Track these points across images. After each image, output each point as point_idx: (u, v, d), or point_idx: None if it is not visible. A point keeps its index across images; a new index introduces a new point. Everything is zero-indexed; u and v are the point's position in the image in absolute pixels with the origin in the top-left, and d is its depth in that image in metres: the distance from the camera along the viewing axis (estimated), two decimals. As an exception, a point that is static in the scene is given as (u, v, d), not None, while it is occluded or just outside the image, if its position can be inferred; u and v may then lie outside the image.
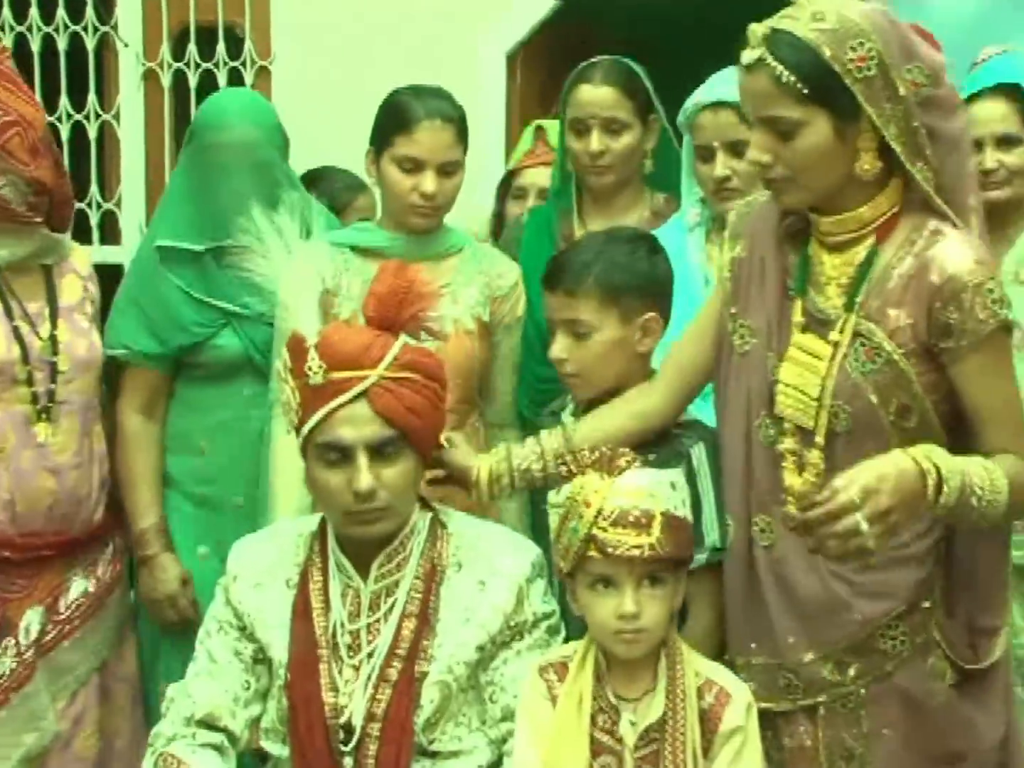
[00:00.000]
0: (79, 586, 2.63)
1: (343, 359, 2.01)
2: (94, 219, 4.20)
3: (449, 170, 2.53)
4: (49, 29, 4.17)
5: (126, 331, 2.70)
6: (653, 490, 1.90)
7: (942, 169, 1.90)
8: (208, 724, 2.07)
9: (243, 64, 4.10)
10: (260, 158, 2.69)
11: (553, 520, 1.97)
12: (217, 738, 2.07)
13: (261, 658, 2.10)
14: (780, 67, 1.81)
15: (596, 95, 2.69)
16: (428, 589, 2.07)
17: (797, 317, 1.95)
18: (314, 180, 3.16)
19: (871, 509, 1.70)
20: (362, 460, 2.00)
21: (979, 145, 2.59)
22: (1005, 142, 2.67)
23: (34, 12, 4.16)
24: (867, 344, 1.90)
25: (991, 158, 2.65)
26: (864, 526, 1.69)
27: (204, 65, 4.12)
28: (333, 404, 2.00)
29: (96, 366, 2.65)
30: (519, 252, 2.76)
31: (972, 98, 2.64)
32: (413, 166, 2.51)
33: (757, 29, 1.84)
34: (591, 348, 2.17)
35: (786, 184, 1.90)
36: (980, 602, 1.98)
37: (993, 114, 2.67)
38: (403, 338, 2.05)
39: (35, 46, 4.18)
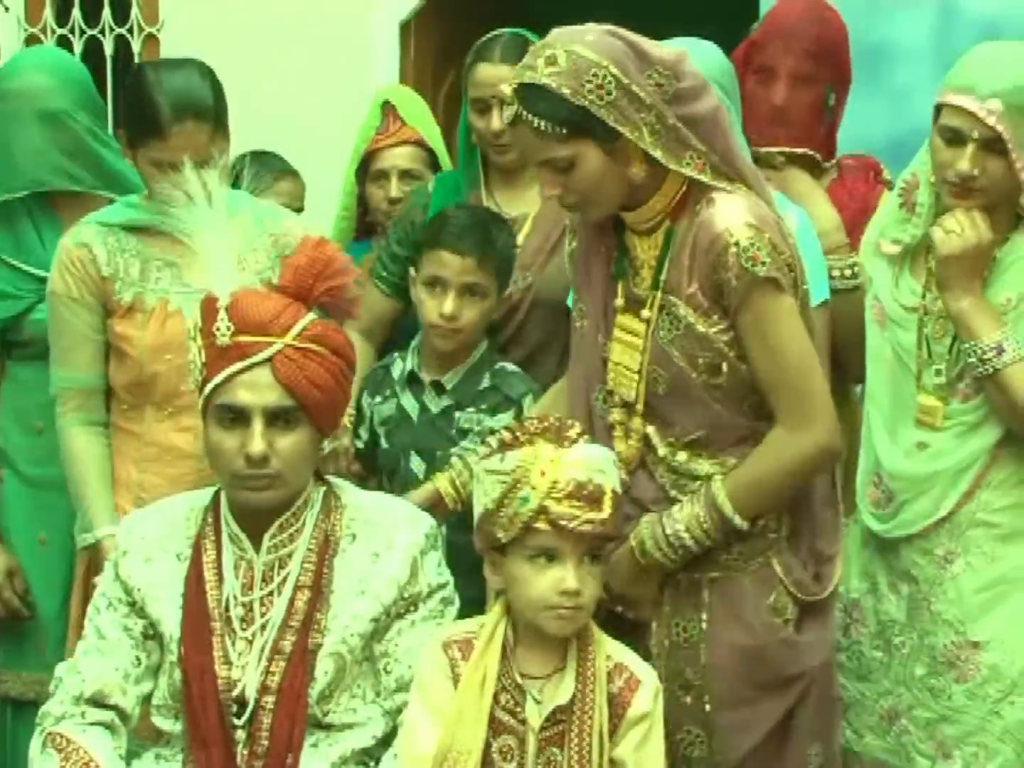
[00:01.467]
0: None
1: (251, 323, 2.01)
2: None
3: (208, 162, 2.32)
4: (-75, -10, 4.06)
5: None
6: (603, 465, 1.92)
7: (712, 147, 2.03)
8: (98, 702, 2.06)
9: (130, 31, 4.04)
10: (50, 107, 2.64)
11: (493, 487, 1.93)
12: (107, 716, 2.06)
13: (151, 634, 2.08)
14: (535, 119, 1.98)
15: (495, 73, 2.68)
16: (321, 561, 2.07)
17: (619, 300, 2.12)
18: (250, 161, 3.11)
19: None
20: (257, 425, 2.00)
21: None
22: None
23: (-91, -28, 4.05)
24: (671, 314, 2.05)
25: None
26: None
27: (89, 32, 4.04)
28: (236, 367, 2.00)
29: None
30: (427, 216, 2.72)
31: None
32: (170, 167, 2.31)
33: (506, 89, 2.01)
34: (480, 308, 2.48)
35: (580, 206, 2.08)
36: (818, 530, 2.13)
37: None
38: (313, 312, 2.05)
39: (-89, 8, 4.07)
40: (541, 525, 1.89)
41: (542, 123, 1.97)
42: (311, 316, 2.05)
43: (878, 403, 2.41)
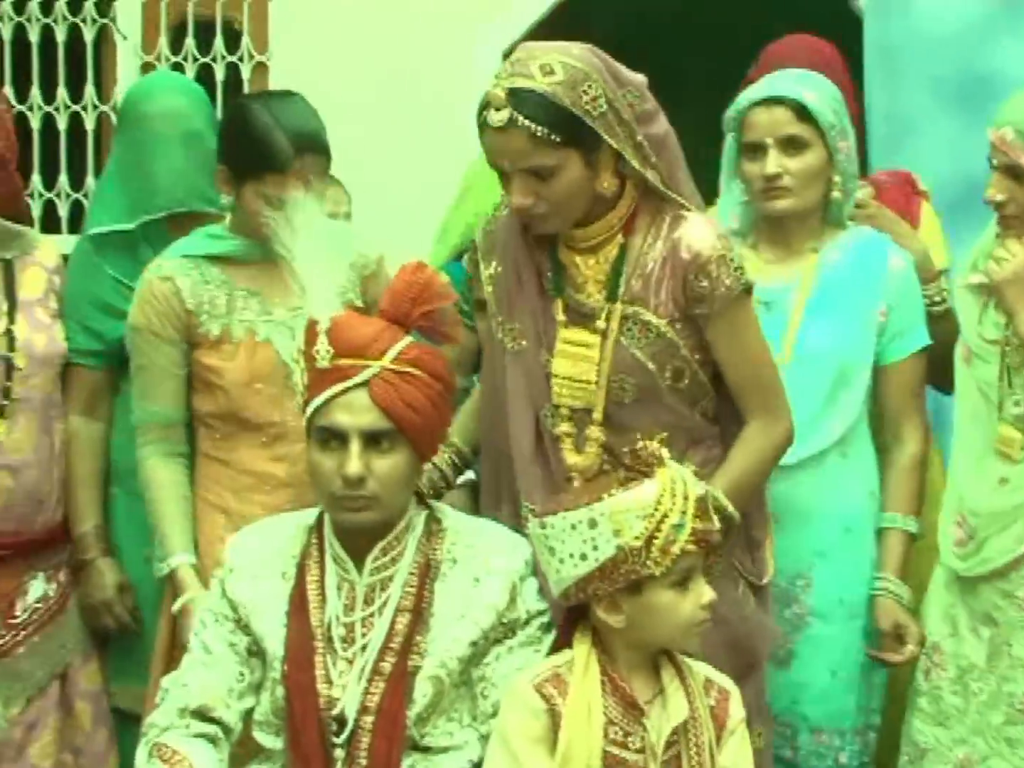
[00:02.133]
0: (38, 589, 2.60)
1: (350, 346, 2.04)
2: (63, 210, 4.20)
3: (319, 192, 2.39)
4: (48, 20, 4.19)
5: (65, 328, 2.65)
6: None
7: (667, 167, 2.15)
8: (202, 715, 2.08)
9: (240, 59, 4.13)
10: (191, 127, 2.66)
11: (634, 525, 1.86)
12: (211, 729, 2.08)
13: (255, 650, 2.11)
14: (532, 124, 2.01)
15: None
16: (422, 584, 2.09)
17: (560, 316, 2.18)
18: None
19: None
20: (355, 446, 2.03)
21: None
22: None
23: (33, 3, 4.19)
24: (638, 323, 2.14)
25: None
26: None
27: (201, 59, 4.14)
28: (335, 389, 2.04)
29: (56, 362, 2.60)
30: None
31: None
32: (279, 201, 2.32)
33: (498, 92, 2.02)
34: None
35: (547, 217, 2.11)
36: (751, 519, 2.23)
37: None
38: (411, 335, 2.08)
39: (34, 37, 4.21)
40: (690, 547, 1.88)
41: (539, 129, 2.02)
42: (408, 340, 2.07)
43: (965, 442, 2.39)
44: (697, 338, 2.16)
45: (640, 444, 1.94)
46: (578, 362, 2.15)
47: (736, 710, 1.98)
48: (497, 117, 2.03)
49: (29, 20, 4.21)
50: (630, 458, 1.93)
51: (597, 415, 2.15)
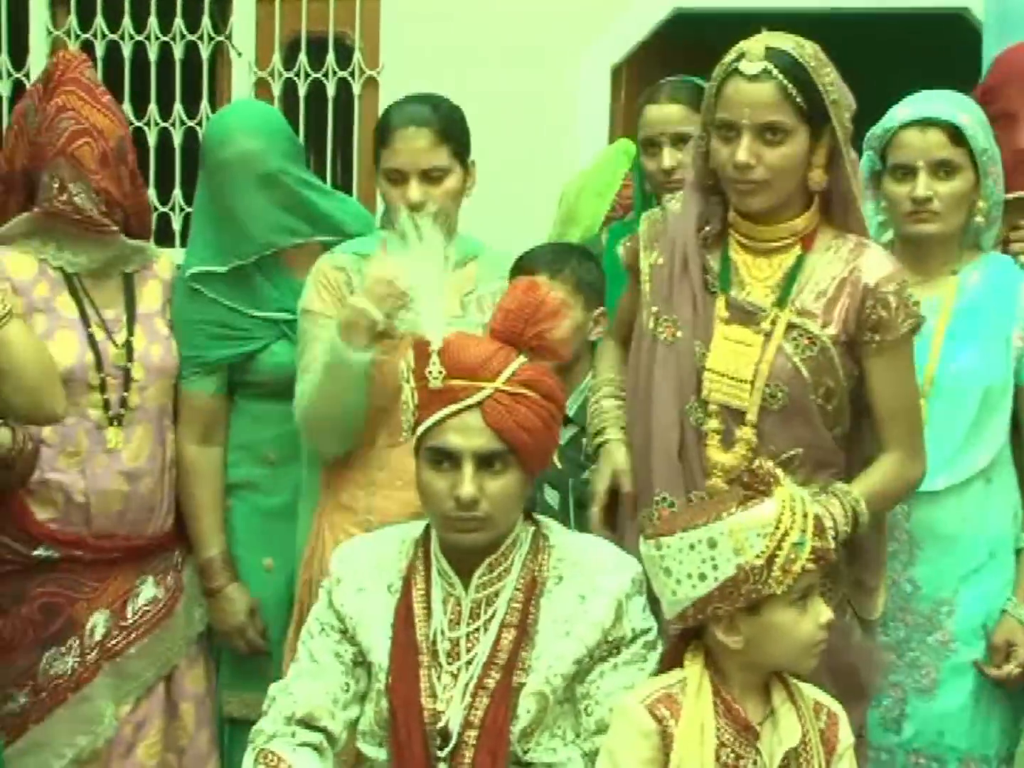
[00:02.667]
0: (148, 592, 2.66)
1: (463, 367, 2.04)
2: (177, 223, 4.29)
3: (435, 175, 2.50)
4: (166, 38, 4.29)
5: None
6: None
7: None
8: (308, 723, 2.10)
9: (351, 74, 4.18)
10: (266, 169, 2.68)
11: (755, 543, 1.85)
12: (316, 738, 2.09)
13: (361, 661, 2.12)
14: (785, 79, 2.08)
15: (663, 113, 2.77)
16: (528, 600, 2.08)
17: (721, 312, 2.19)
18: None
19: None
20: (468, 468, 2.02)
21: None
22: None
23: (152, 22, 4.29)
24: (804, 334, 2.16)
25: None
26: None
27: (313, 75, 4.20)
28: (448, 410, 2.03)
29: (171, 373, 2.67)
30: (605, 263, 2.74)
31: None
32: (399, 177, 2.49)
33: (757, 45, 2.09)
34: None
35: (761, 187, 2.14)
36: (865, 567, 2.26)
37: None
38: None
39: (152, 55, 4.30)
40: (810, 565, 1.86)
41: (790, 86, 2.08)
42: (521, 360, 2.06)
43: None
44: (851, 365, 2.17)
45: (756, 463, 1.93)
46: (737, 359, 2.15)
47: (845, 734, 1.96)
48: (751, 66, 2.09)
49: (148, 39, 4.30)
50: (747, 476, 1.91)
51: (751, 416, 2.15)
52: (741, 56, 2.11)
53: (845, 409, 2.19)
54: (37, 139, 2.54)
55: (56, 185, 2.50)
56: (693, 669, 1.95)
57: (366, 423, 2.51)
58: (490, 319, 2.13)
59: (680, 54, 3.66)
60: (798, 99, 2.10)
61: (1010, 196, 2.56)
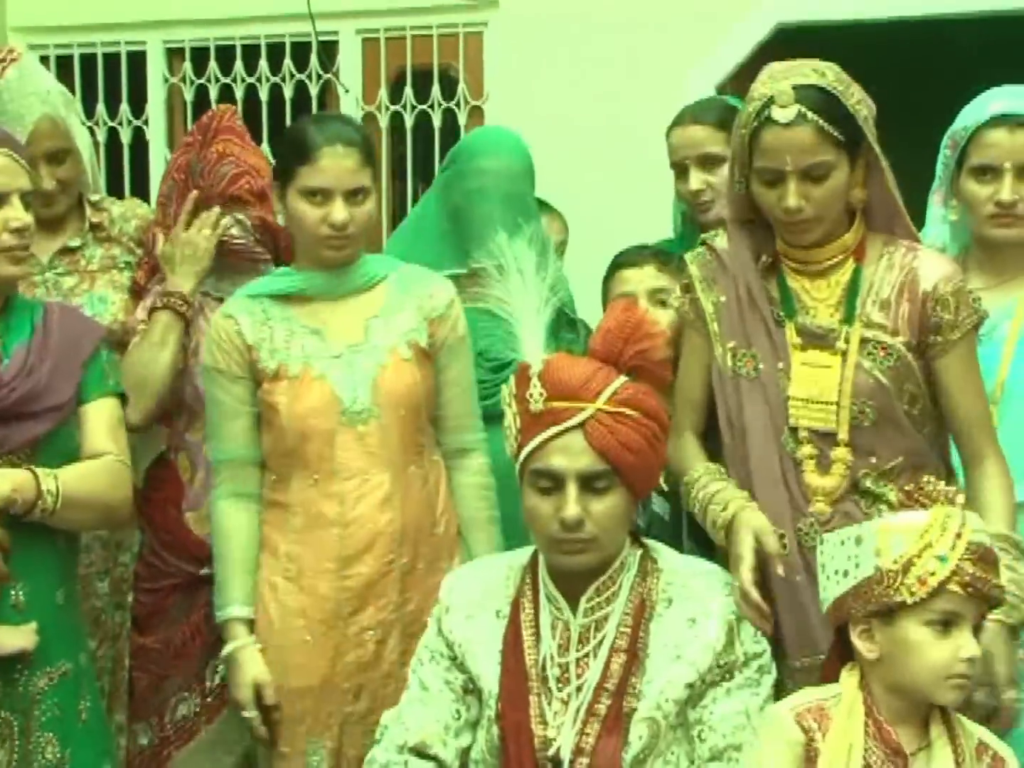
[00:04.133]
0: None
1: (563, 389, 2.04)
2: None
3: (358, 197, 2.42)
4: (276, 79, 4.40)
5: None
6: (984, 528, 1.89)
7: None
8: (420, 752, 2.12)
9: (457, 104, 4.22)
10: (516, 188, 2.76)
11: (899, 545, 1.85)
12: (428, 766, 2.11)
13: (471, 688, 2.13)
14: (820, 119, 2.06)
15: (687, 135, 2.78)
16: (637, 624, 2.07)
17: (794, 339, 2.18)
18: None
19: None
20: (572, 490, 2.02)
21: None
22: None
23: (263, 64, 4.40)
24: (879, 345, 2.15)
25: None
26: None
27: (419, 107, 4.25)
28: (549, 432, 2.03)
29: None
30: None
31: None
32: (320, 196, 2.40)
33: (785, 88, 2.05)
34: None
35: (813, 223, 2.13)
36: None
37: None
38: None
39: (263, 95, 4.41)
40: (953, 587, 1.82)
41: (826, 124, 2.06)
42: (622, 379, 2.06)
43: None
44: (925, 366, 2.16)
45: (926, 479, 1.92)
46: (818, 383, 2.14)
47: None
48: (785, 113, 2.06)
49: (259, 80, 4.41)
50: (914, 489, 1.91)
51: (843, 436, 2.14)
52: (771, 102, 2.07)
53: (929, 409, 2.19)
54: (199, 183, 2.74)
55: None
56: (849, 684, 1.92)
57: (280, 468, 2.46)
58: (590, 340, 2.13)
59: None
60: (836, 133, 2.08)
61: None
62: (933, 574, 1.82)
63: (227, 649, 2.45)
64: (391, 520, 2.42)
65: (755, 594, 2.03)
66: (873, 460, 2.13)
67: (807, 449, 2.16)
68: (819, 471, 2.16)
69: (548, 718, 2.06)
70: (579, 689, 2.06)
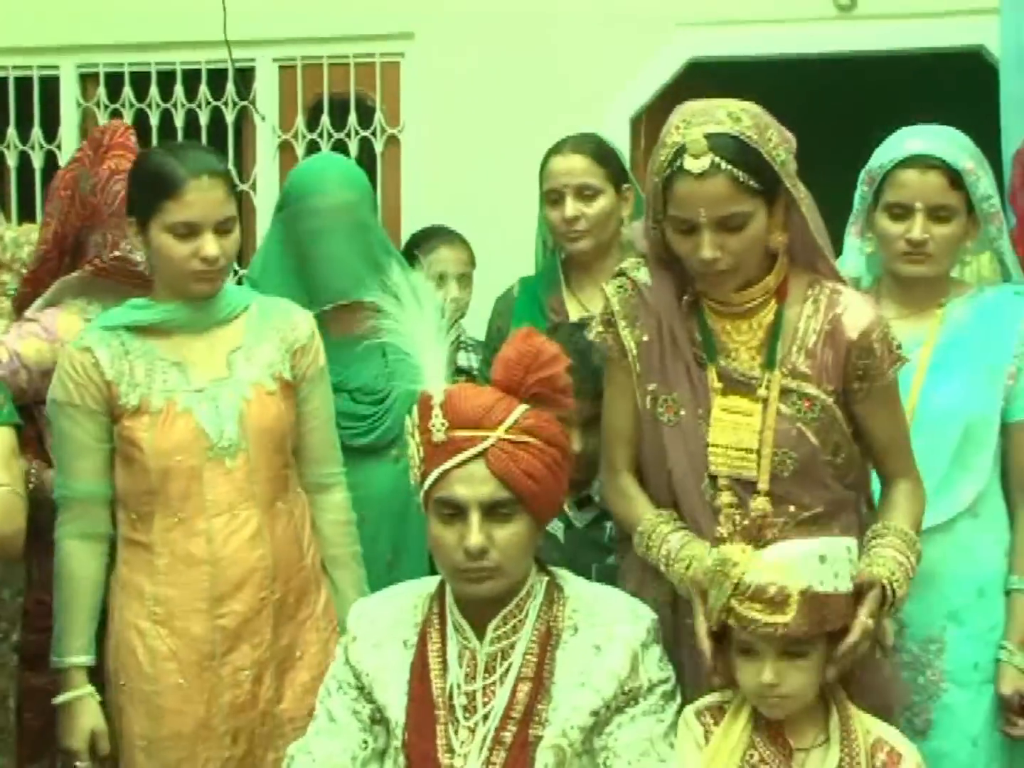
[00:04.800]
0: None
1: (465, 418, 2.06)
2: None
3: (226, 228, 2.37)
4: (192, 105, 4.40)
5: None
6: (795, 566, 1.90)
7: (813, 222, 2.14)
8: (328, 783, 2.11)
9: (373, 133, 4.25)
10: (358, 220, 2.74)
11: (705, 578, 1.99)
12: (336, 797, 2.10)
13: (379, 718, 2.13)
14: (734, 169, 1.99)
15: (568, 164, 2.82)
16: (543, 653, 2.08)
17: (715, 383, 2.14)
18: (418, 243, 3.24)
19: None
20: (474, 518, 2.04)
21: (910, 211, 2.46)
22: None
23: (179, 89, 4.40)
24: (803, 396, 2.12)
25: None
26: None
27: (336, 135, 4.28)
28: (452, 461, 2.05)
29: None
30: (512, 320, 2.81)
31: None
32: (188, 231, 2.33)
33: (698, 138, 1.99)
34: None
35: (730, 273, 2.09)
36: None
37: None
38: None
39: (179, 121, 4.40)
40: (732, 623, 1.93)
41: (740, 174, 2.00)
42: (523, 408, 2.08)
43: None
44: (847, 410, 2.15)
45: (756, 514, 2.00)
46: (738, 430, 2.11)
47: None
48: (698, 163, 1.99)
49: (175, 106, 4.40)
50: (724, 521, 2.01)
51: (763, 485, 2.11)
52: (683, 150, 2.01)
53: (855, 455, 2.18)
54: (91, 200, 2.64)
55: (108, 242, 2.60)
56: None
57: (140, 508, 2.41)
58: (491, 370, 2.14)
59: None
60: (751, 182, 2.02)
61: None
62: (713, 609, 1.96)
63: (64, 697, 2.40)
64: (262, 556, 2.41)
65: (707, 647, 2.01)
66: (792, 509, 2.06)
67: (726, 497, 2.13)
68: (734, 520, 2.08)
69: (455, 747, 2.07)
70: (486, 717, 2.07)
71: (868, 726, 1.99)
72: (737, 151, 2.00)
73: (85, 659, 2.41)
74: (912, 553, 2.09)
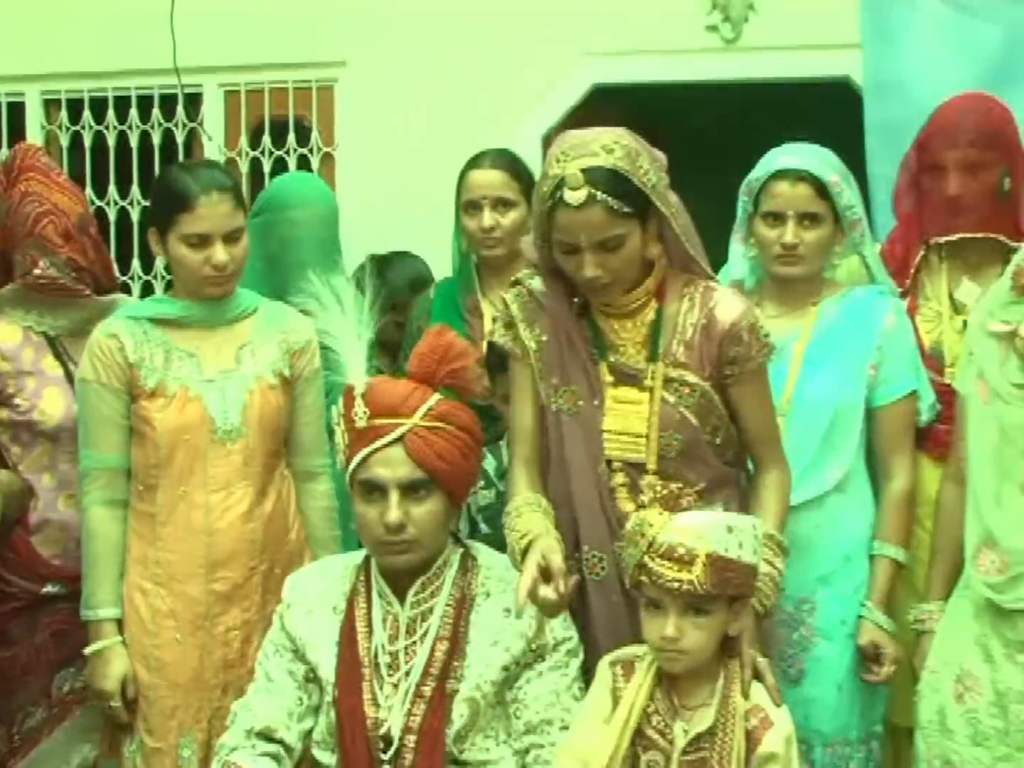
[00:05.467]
0: None
1: (384, 407, 2.23)
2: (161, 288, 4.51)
3: (235, 237, 2.57)
4: (146, 127, 4.58)
5: None
6: (704, 531, 2.05)
7: (684, 231, 2.29)
8: (266, 736, 2.26)
9: (310, 151, 4.45)
10: (327, 232, 2.97)
11: (631, 542, 2.10)
12: (274, 748, 2.26)
13: (312, 677, 2.28)
14: (609, 199, 2.15)
15: (486, 177, 2.98)
16: (459, 615, 2.25)
17: (607, 377, 2.30)
18: (384, 266, 3.38)
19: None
20: (394, 497, 2.21)
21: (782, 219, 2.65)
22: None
23: (133, 113, 4.59)
24: (684, 383, 2.28)
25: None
26: None
27: (277, 152, 4.48)
28: (373, 446, 2.22)
29: None
30: (430, 319, 2.92)
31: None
32: (200, 241, 2.53)
33: (575, 172, 2.13)
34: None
35: (612, 286, 2.25)
36: None
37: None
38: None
39: (134, 142, 4.59)
40: (643, 579, 2.07)
41: (614, 202, 2.15)
42: (437, 397, 2.25)
43: (982, 476, 2.40)
44: (724, 395, 2.32)
45: (673, 487, 2.19)
46: (628, 417, 2.27)
47: (770, 742, 2.08)
48: (576, 196, 2.13)
49: (130, 128, 4.58)
50: (658, 494, 2.18)
51: (651, 466, 2.26)
52: (562, 183, 2.15)
53: (733, 436, 2.35)
54: (6, 223, 2.73)
55: (29, 262, 2.70)
56: None
57: (148, 479, 2.58)
58: (407, 363, 2.33)
59: (601, 124, 3.92)
60: (625, 208, 2.15)
61: (943, 239, 2.73)
62: (628, 566, 2.10)
63: (96, 646, 2.58)
64: (253, 529, 2.59)
65: (523, 593, 2.07)
66: (678, 486, 2.21)
67: (619, 478, 2.27)
68: (631, 498, 2.26)
69: (380, 701, 2.21)
70: (407, 674, 2.22)
71: (753, 691, 2.11)
72: (611, 181, 2.14)
73: (114, 612, 2.58)
74: (778, 556, 2.28)
